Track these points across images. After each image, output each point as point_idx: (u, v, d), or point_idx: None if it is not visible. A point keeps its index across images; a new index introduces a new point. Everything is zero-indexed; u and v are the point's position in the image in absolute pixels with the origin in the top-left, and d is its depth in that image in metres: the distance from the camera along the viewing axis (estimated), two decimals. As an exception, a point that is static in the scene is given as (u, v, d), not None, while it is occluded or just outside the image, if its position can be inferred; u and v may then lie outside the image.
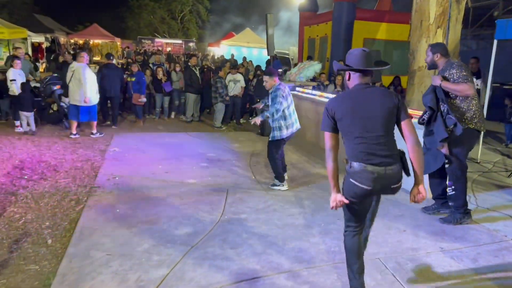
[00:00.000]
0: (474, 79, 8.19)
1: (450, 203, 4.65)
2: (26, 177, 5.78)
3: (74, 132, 8.29)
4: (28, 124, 8.42)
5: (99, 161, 6.66)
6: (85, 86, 7.97)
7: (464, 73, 4.25)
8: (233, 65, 10.94)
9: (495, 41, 6.79)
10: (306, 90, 9.44)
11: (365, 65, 2.86)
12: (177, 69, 10.93)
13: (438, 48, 4.52)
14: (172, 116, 10.99)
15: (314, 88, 9.76)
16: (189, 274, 3.41)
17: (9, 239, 3.97)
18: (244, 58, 18.52)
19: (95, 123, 8.50)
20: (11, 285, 3.22)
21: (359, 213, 2.97)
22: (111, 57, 9.95)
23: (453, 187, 4.54)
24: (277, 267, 3.56)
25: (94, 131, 8.48)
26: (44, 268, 3.48)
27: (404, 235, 4.25)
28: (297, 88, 9.90)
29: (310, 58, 14.77)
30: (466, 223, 4.54)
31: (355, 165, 2.81)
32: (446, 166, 4.53)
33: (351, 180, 2.84)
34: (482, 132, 4.62)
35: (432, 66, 4.61)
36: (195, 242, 3.97)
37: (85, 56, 8.30)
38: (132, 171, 6.16)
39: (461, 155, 4.44)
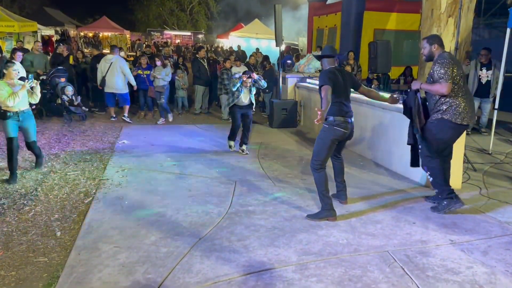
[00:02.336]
0: (484, 71, 8.12)
1: (435, 191, 4.67)
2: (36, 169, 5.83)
3: (114, 115, 9.54)
4: None
5: (108, 154, 6.69)
6: (130, 75, 9.24)
7: (442, 71, 4.23)
8: (238, 57, 10.74)
9: (508, 30, 6.65)
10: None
11: (334, 53, 4.52)
12: (158, 62, 9.44)
13: (435, 39, 4.52)
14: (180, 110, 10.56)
15: None
16: (197, 266, 3.41)
17: (19, 231, 4.01)
18: (257, 49, 18.32)
19: (127, 107, 9.48)
20: (21, 277, 3.25)
21: (331, 153, 4.43)
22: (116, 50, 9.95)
23: (428, 173, 4.59)
24: (285, 259, 3.54)
25: (126, 114, 9.40)
26: (52, 260, 3.50)
27: (413, 228, 4.20)
28: (308, 80, 9.82)
29: (320, 48, 14.62)
30: (454, 208, 4.50)
31: (339, 118, 4.30)
32: (419, 150, 4.64)
33: (335, 128, 4.28)
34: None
35: (430, 57, 4.56)
36: (202, 235, 3.97)
37: (117, 49, 9.74)
38: (141, 164, 6.18)
39: (432, 143, 4.45)
